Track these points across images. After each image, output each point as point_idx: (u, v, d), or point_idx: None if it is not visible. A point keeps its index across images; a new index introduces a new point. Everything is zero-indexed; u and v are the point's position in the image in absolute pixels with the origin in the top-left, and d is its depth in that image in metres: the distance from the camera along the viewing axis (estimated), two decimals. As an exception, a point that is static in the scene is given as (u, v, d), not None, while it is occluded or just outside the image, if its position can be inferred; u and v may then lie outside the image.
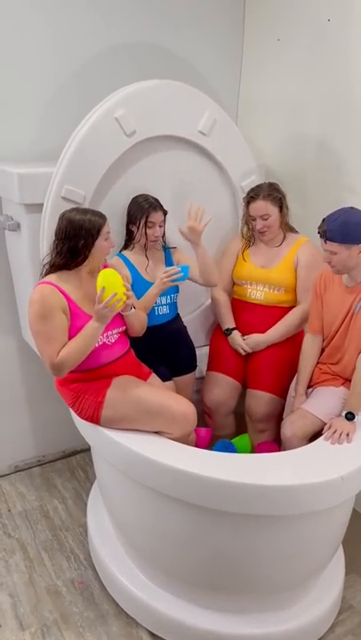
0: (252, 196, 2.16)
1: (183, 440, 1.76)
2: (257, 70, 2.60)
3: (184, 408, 1.76)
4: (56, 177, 1.94)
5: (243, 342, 2.23)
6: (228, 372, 2.28)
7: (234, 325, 2.29)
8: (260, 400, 2.18)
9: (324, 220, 1.79)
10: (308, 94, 2.34)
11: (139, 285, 2.05)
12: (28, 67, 2.17)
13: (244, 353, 2.25)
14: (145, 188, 2.11)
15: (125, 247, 2.13)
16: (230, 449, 2.15)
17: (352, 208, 1.79)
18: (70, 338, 1.69)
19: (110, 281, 1.66)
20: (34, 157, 2.26)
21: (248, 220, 2.22)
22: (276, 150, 2.56)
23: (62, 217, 1.74)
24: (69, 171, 1.93)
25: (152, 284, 2.04)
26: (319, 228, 1.80)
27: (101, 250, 1.75)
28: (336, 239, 1.75)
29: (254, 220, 2.18)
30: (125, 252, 2.10)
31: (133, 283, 2.06)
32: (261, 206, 2.13)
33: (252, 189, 2.18)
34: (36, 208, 1.96)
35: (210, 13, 2.49)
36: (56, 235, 1.73)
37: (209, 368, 2.35)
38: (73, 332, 1.69)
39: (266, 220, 2.15)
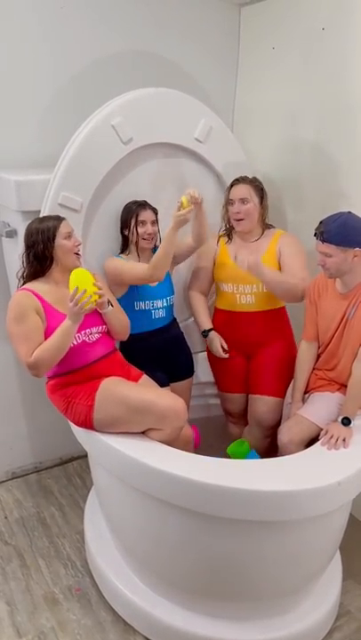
0: (237, 179, 2.15)
1: (175, 436, 1.77)
2: (252, 78, 2.62)
3: (173, 403, 1.75)
4: (53, 184, 1.95)
5: (219, 345, 2.20)
6: (238, 390, 2.29)
7: (211, 326, 2.25)
8: (270, 406, 2.16)
9: (321, 222, 1.80)
10: (303, 101, 2.36)
11: (137, 286, 2.07)
12: (25, 74, 2.18)
13: (220, 357, 2.21)
14: (141, 195, 2.12)
15: (122, 252, 2.14)
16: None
17: (350, 212, 1.79)
18: (47, 338, 1.73)
19: (81, 279, 1.69)
20: (31, 164, 2.27)
21: (227, 206, 2.17)
22: (272, 157, 2.57)
23: (25, 230, 1.82)
24: (66, 178, 1.95)
25: (148, 285, 2.06)
26: (316, 229, 1.79)
27: (64, 249, 1.80)
28: (333, 241, 1.76)
29: (232, 204, 2.13)
30: (122, 256, 2.12)
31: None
32: (243, 189, 2.11)
33: (237, 177, 2.16)
34: (34, 215, 1.97)
35: (206, 22, 2.51)
36: (24, 247, 1.82)
37: (219, 388, 2.37)
38: (49, 332, 1.73)
39: (245, 204, 2.10)
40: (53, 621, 1.93)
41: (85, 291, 1.66)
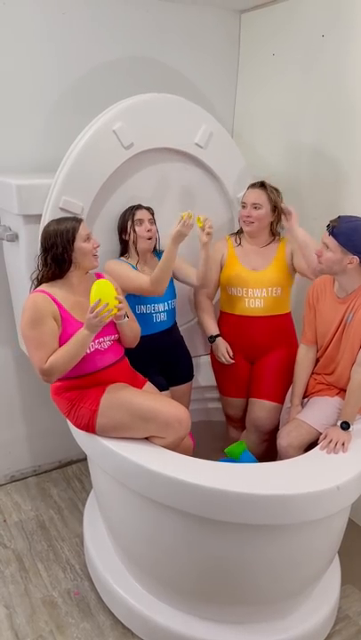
0: (254, 183, 2.17)
1: (177, 444, 1.77)
2: (253, 84, 2.64)
3: (177, 412, 1.76)
4: (54, 188, 1.96)
5: (225, 351, 2.22)
6: (240, 395, 2.30)
7: (218, 332, 2.27)
8: (269, 411, 2.17)
9: (339, 216, 1.81)
10: (303, 107, 2.37)
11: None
12: (28, 80, 2.20)
13: (226, 362, 2.23)
14: (142, 200, 2.13)
15: (122, 256, 2.15)
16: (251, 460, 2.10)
17: None
18: (62, 344, 1.72)
19: (104, 292, 1.69)
20: (32, 169, 2.28)
21: (241, 208, 2.20)
22: (272, 162, 2.59)
23: (42, 231, 1.80)
24: (68, 182, 1.95)
25: None
26: (331, 221, 1.81)
27: (83, 251, 1.78)
28: (338, 238, 1.77)
29: (245, 207, 2.16)
30: (122, 258, 2.12)
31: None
32: (257, 195, 2.13)
33: (254, 182, 2.19)
34: (35, 219, 1.98)
35: (207, 28, 2.53)
36: (40, 249, 1.79)
37: (222, 392, 2.37)
38: (64, 339, 1.72)
39: (257, 209, 2.13)
40: (52, 625, 1.93)
41: (107, 304, 1.66)
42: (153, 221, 2.10)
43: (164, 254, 1.96)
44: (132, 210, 2.08)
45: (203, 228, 2.01)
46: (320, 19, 2.22)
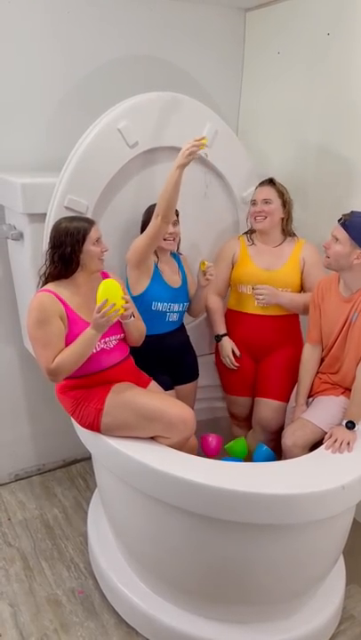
0: (264, 181, 2.18)
1: (181, 444, 1.77)
2: (257, 82, 2.63)
3: (182, 413, 1.76)
4: (59, 187, 1.95)
5: (230, 352, 2.22)
6: (245, 393, 2.30)
7: (225, 331, 2.27)
8: (275, 410, 2.17)
9: (353, 211, 1.82)
10: (308, 106, 2.37)
11: (159, 285, 2.07)
12: (32, 78, 2.20)
13: (232, 366, 2.23)
14: (147, 199, 2.13)
15: None
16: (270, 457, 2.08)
17: None
18: (68, 344, 1.72)
19: (110, 292, 1.68)
20: (37, 167, 2.28)
21: (251, 207, 2.20)
22: (277, 161, 2.58)
23: (52, 227, 1.78)
24: (72, 181, 1.95)
25: (170, 286, 2.08)
26: (344, 214, 1.81)
27: (91, 255, 1.77)
28: (348, 230, 1.77)
29: (255, 204, 2.16)
30: None
31: (153, 280, 2.06)
32: (267, 191, 2.14)
33: (263, 180, 2.20)
34: (39, 218, 1.98)
35: (211, 26, 2.52)
36: (48, 245, 1.78)
37: (226, 391, 2.37)
38: (71, 338, 1.72)
39: (268, 204, 2.13)
40: (56, 623, 1.93)
41: (114, 304, 1.66)
42: (177, 222, 2.07)
43: (168, 179, 1.89)
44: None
45: (205, 272, 2.04)
46: (325, 17, 2.21)
